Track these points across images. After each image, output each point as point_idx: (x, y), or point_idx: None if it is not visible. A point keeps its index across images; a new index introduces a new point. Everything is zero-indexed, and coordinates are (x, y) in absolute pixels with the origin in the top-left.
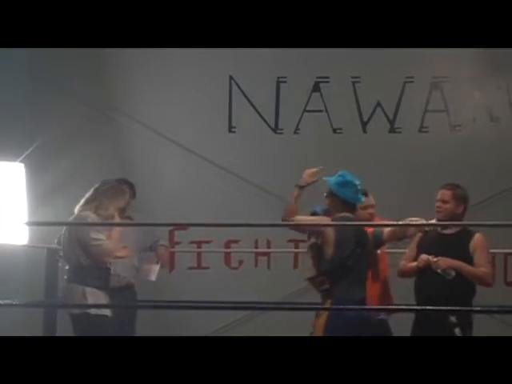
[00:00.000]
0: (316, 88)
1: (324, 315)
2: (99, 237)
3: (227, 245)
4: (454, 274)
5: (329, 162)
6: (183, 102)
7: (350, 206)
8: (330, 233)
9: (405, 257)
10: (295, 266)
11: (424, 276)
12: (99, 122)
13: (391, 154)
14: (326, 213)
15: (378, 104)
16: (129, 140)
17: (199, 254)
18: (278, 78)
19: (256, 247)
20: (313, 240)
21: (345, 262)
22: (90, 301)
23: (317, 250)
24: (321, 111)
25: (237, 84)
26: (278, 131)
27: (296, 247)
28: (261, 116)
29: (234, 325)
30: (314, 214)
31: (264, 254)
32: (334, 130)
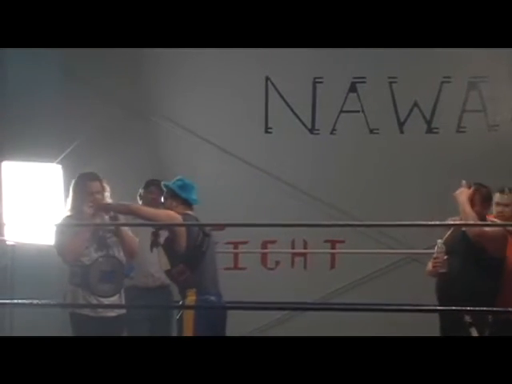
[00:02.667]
0: (353, 88)
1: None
2: (61, 235)
3: (264, 245)
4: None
5: (366, 162)
6: (220, 103)
7: (189, 205)
8: (179, 227)
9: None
10: (332, 267)
11: (446, 275)
12: (136, 123)
13: (428, 155)
14: None
15: (415, 104)
16: (165, 141)
17: (236, 254)
18: (315, 78)
19: (293, 248)
20: (163, 235)
21: (199, 248)
22: (69, 299)
23: (169, 244)
24: (357, 111)
25: (273, 85)
26: (315, 132)
27: (333, 247)
28: (297, 117)
29: (270, 325)
30: None
31: (301, 254)
32: (371, 131)
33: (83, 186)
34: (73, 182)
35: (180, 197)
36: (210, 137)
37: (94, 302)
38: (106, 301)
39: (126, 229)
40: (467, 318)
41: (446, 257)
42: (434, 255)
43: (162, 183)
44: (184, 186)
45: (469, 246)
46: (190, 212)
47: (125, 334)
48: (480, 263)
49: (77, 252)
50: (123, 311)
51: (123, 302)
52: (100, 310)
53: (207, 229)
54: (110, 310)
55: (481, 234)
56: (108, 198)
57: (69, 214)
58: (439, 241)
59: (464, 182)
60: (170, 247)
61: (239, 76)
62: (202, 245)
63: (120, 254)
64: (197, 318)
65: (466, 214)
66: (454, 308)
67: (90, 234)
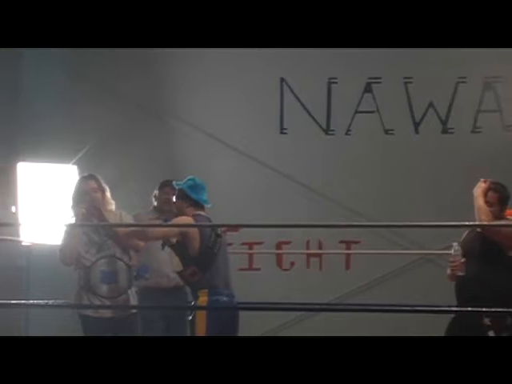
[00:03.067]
0: (368, 89)
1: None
2: (62, 238)
3: (279, 246)
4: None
5: (381, 163)
6: (234, 103)
7: (200, 206)
8: (191, 229)
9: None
10: (347, 267)
11: (465, 276)
12: (151, 124)
13: (443, 155)
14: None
15: (431, 104)
16: (180, 142)
17: (251, 255)
18: (329, 78)
19: (308, 248)
20: (175, 238)
21: (211, 250)
22: (74, 300)
23: (182, 246)
24: (373, 112)
25: (288, 85)
26: (330, 132)
27: (348, 248)
28: (312, 117)
29: (284, 326)
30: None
31: (316, 255)
32: (386, 131)
33: (77, 189)
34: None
35: (190, 197)
36: (226, 138)
37: (97, 302)
38: (109, 301)
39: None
40: (486, 321)
41: (463, 259)
42: (451, 258)
43: (174, 182)
44: (195, 187)
45: (486, 246)
46: (201, 212)
47: (135, 334)
48: (498, 263)
49: (73, 255)
50: (131, 312)
51: (131, 302)
52: (102, 310)
53: (219, 230)
54: (115, 310)
55: (498, 233)
56: (109, 197)
57: (69, 216)
58: (455, 244)
59: (482, 179)
60: (182, 249)
61: (254, 77)
62: (214, 246)
63: (124, 255)
64: (209, 318)
65: (478, 208)
66: (469, 309)
67: (85, 236)
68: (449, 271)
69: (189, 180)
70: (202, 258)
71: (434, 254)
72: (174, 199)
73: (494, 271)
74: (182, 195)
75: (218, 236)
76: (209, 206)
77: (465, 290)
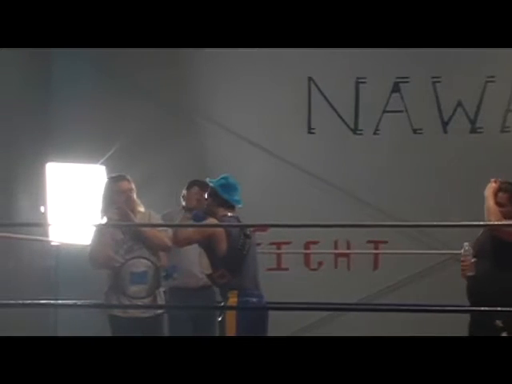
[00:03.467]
0: (396, 88)
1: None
2: (91, 240)
3: (307, 246)
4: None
5: (409, 162)
6: (262, 103)
7: (231, 206)
8: (219, 230)
9: None
10: (375, 267)
11: (476, 277)
12: (180, 124)
13: (472, 154)
14: (204, 215)
15: (459, 104)
16: (209, 142)
17: (279, 255)
18: (358, 78)
19: (335, 248)
20: (204, 241)
21: (240, 251)
22: (104, 300)
23: (210, 248)
24: (401, 111)
25: (316, 85)
26: (358, 132)
27: (376, 248)
28: (340, 117)
29: (312, 326)
30: (196, 218)
31: (344, 255)
32: (414, 131)
33: (111, 188)
34: (103, 185)
35: (221, 197)
36: (253, 137)
37: (127, 303)
38: (139, 302)
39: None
40: (498, 322)
41: (473, 259)
42: (462, 258)
43: (207, 179)
44: (227, 186)
45: (497, 247)
46: (230, 213)
47: (162, 334)
48: (510, 264)
49: (103, 257)
50: (158, 312)
51: (158, 302)
52: (131, 310)
53: (248, 230)
54: (144, 310)
55: (509, 234)
56: (135, 197)
57: (99, 217)
58: (466, 244)
59: (492, 179)
60: (210, 251)
61: (282, 77)
62: (243, 247)
63: (153, 255)
64: (239, 320)
65: (488, 208)
66: (499, 309)
67: (114, 237)
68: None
69: (221, 179)
70: (230, 259)
71: None
72: (205, 195)
73: (506, 272)
74: (213, 194)
75: (247, 237)
76: (239, 206)
77: (476, 291)
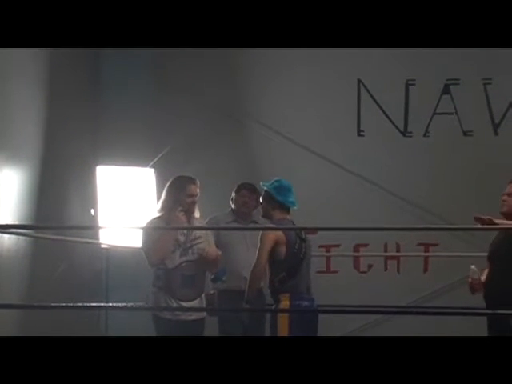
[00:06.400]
0: (446, 90)
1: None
2: (147, 238)
3: (356, 249)
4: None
5: (459, 165)
6: (311, 105)
7: (286, 208)
8: (280, 235)
9: None
10: (425, 270)
11: (493, 282)
12: (229, 126)
13: None
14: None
15: (511, 105)
16: (257, 145)
17: (328, 258)
18: (407, 80)
19: (385, 251)
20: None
21: (297, 255)
22: (150, 301)
23: (270, 254)
24: (451, 114)
25: (365, 87)
26: (407, 134)
27: (426, 251)
28: (390, 119)
29: (362, 329)
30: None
31: (393, 257)
32: (465, 133)
33: (181, 188)
34: (169, 183)
35: (276, 200)
36: (302, 140)
37: (175, 305)
38: (186, 304)
39: (209, 248)
40: None
41: (482, 278)
42: (469, 280)
43: (261, 183)
44: (281, 188)
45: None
46: (286, 217)
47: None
48: None
49: (161, 254)
50: (203, 315)
51: (203, 305)
52: (179, 313)
53: (304, 234)
54: (190, 313)
55: None
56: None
57: (159, 214)
58: (472, 266)
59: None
60: (270, 256)
61: (331, 78)
62: (299, 251)
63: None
64: (291, 323)
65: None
66: None
67: (174, 237)
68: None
69: (275, 182)
70: (289, 264)
71: None
72: (260, 199)
73: None
74: (268, 197)
75: (303, 241)
76: (295, 208)
77: (492, 295)
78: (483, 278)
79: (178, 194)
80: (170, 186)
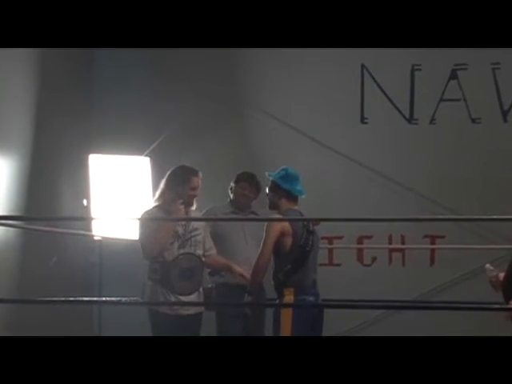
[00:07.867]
0: (453, 76)
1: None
2: (145, 229)
3: (360, 241)
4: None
5: (467, 153)
6: (314, 92)
7: (293, 198)
8: (286, 226)
9: None
10: (432, 263)
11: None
12: (227, 115)
13: None
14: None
15: None
16: (259, 133)
17: (331, 250)
18: (413, 65)
19: (390, 243)
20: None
21: (303, 248)
22: (146, 295)
23: (276, 246)
24: (458, 100)
25: (369, 72)
26: (413, 121)
27: (432, 243)
28: (395, 106)
29: (366, 324)
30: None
31: (398, 250)
32: (473, 120)
33: (184, 180)
34: (170, 172)
35: (282, 188)
36: (304, 128)
37: (173, 299)
38: (184, 298)
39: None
40: None
41: (500, 275)
42: (488, 279)
43: (266, 173)
44: (287, 177)
45: None
46: (294, 207)
47: (200, 332)
48: None
49: (161, 246)
50: (201, 309)
51: (201, 299)
52: (177, 307)
53: (311, 226)
54: (188, 308)
55: None
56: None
57: (157, 204)
58: (487, 265)
59: None
60: (275, 248)
61: (334, 64)
62: (306, 244)
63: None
64: (295, 318)
65: None
66: None
67: (173, 229)
68: None
69: (281, 170)
70: (294, 256)
71: None
72: (266, 190)
73: None
74: (274, 187)
75: (311, 233)
76: (303, 196)
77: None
78: (501, 274)
79: (180, 185)
80: (171, 175)
